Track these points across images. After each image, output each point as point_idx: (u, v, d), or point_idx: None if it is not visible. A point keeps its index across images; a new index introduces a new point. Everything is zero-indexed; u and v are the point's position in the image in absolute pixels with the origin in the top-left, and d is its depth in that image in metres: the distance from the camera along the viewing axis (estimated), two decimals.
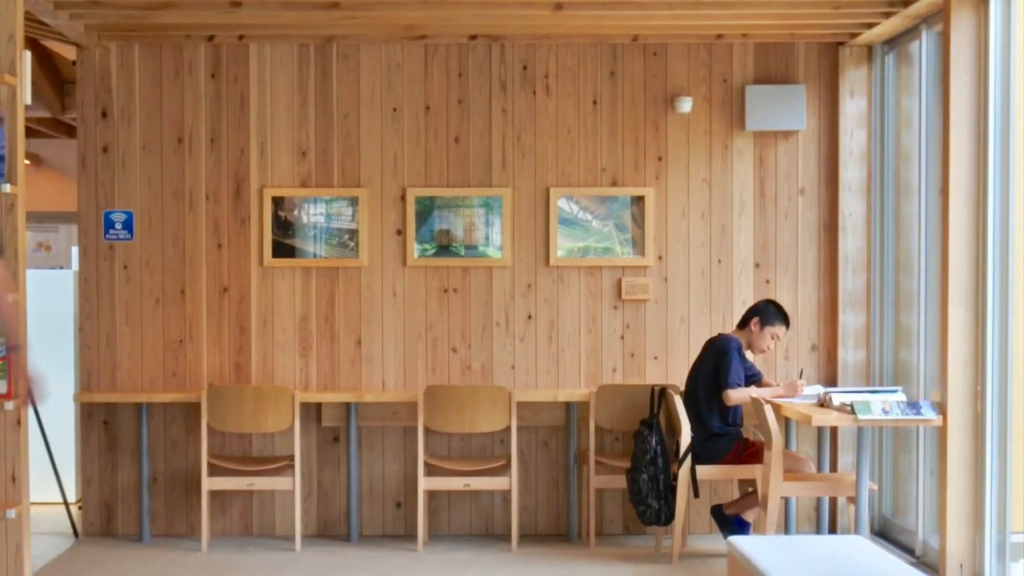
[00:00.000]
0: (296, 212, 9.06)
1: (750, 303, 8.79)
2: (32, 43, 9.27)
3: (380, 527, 9.15)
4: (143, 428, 8.96)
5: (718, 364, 8.34)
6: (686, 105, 9.11)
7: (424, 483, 8.62)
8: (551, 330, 9.12)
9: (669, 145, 9.14)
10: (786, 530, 8.77)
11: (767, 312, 8.48)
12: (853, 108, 9.11)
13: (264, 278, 9.08)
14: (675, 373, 9.05)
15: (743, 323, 8.55)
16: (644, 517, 8.42)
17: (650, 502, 8.36)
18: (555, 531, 9.14)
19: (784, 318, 8.50)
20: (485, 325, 9.12)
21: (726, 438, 8.37)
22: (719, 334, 8.58)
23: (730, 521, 8.46)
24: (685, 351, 9.04)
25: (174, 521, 9.14)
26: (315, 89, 9.14)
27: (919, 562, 8.13)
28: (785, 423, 8.64)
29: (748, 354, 8.57)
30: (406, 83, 9.16)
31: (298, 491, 8.69)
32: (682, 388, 8.59)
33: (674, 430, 8.43)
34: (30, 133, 11.35)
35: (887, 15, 8.18)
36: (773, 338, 8.50)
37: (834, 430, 8.91)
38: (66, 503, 9.40)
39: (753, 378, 8.53)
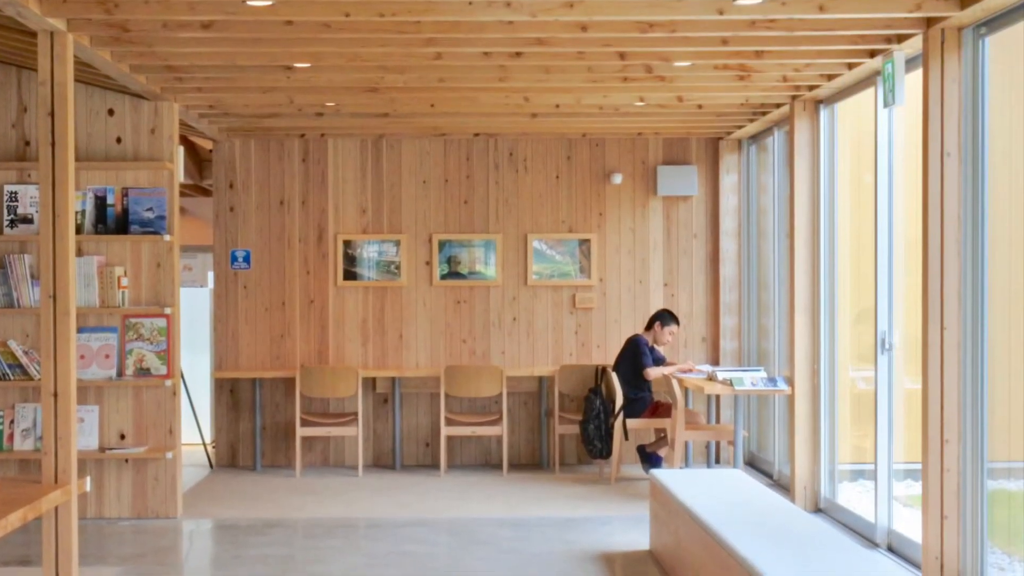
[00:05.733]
0: (358, 250, 8.99)
1: None
2: (182, 138, 9.18)
3: (415, 459, 9.07)
4: (257, 394, 8.88)
5: (634, 354, 8.30)
6: (617, 179, 9.07)
7: (444, 430, 8.56)
8: (529, 328, 9.06)
9: (607, 205, 9.10)
10: (687, 463, 8.72)
11: (664, 317, 8.44)
12: (728, 181, 9.09)
13: (337, 294, 9.00)
14: (612, 357, 8.97)
15: (649, 325, 8.50)
16: (591, 453, 8.37)
17: (595, 443, 8.31)
18: (532, 462, 9.07)
19: (675, 320, 8.45)
20: (484, 324, 9.05)
21: (644, 400, 8.33)
22: (634, 334, 8.53)
23: (649, 456, 8.41)
24: (617, 343, 8.99)
25: (277, 456, 9.06)
26: (371, 168, 9.08)
27: (776, 484, 8.09)
28: (685, 391, 8.59)
29: (657, 346, 8.52)
30: (432, 164, 9.11)
31: (360, 436, 8.62)
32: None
33: (611, 395, 8.38)
34: (179, 193, 11.26)
35: (751, 120, 8.16)
36: (671, 334, 8.45)
37: (718, 396, 8.87)
38: (204, 444, 9.31)
39: (660, 361, 8.48)
